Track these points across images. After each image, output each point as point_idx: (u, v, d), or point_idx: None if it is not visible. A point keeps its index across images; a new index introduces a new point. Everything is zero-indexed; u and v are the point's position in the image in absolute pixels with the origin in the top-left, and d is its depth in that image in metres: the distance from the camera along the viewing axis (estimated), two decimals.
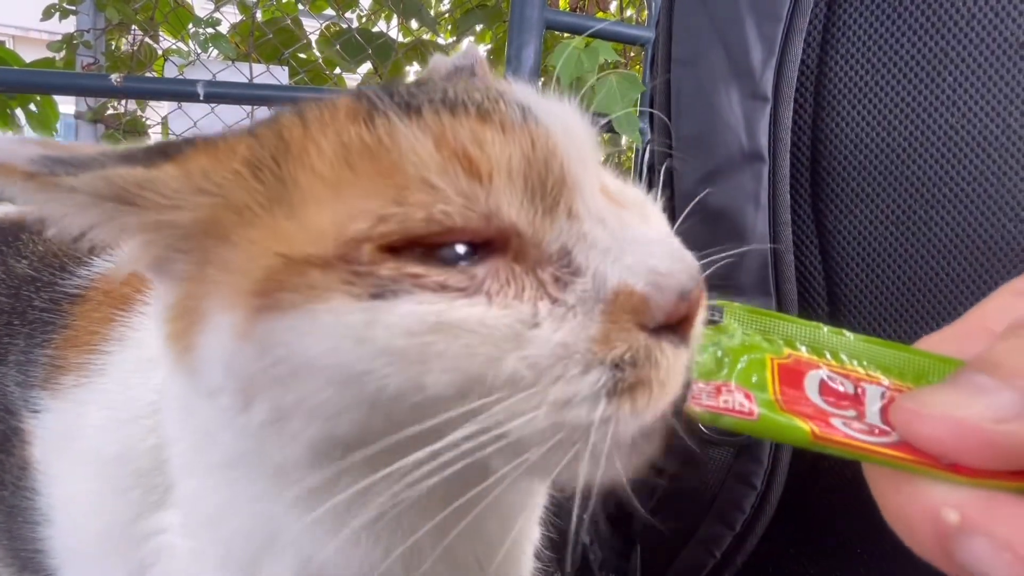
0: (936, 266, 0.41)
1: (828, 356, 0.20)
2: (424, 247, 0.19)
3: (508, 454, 0.19)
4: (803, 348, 0.21)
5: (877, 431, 0.17)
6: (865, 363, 0.20)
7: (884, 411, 0.18)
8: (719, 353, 0.21)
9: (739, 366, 0.20)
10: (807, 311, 0.46)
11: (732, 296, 0.46)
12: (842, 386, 0.19)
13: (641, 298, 0.19)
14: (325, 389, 0.19)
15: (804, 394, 0.19)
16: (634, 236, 0.20)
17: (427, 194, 0.19)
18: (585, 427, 0.19)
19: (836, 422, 0.18)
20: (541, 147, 0.20)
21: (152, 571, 0.29)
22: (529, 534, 0.33)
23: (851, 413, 0.18)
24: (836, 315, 0.45)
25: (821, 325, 0.21)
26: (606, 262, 0.20)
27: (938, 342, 0.20)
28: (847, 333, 0.21)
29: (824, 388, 0.19)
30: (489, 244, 0.20)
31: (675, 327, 0.20)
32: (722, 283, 0.45)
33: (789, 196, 0.45)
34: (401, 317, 0.18)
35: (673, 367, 0.20)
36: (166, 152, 0.22)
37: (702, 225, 0.46)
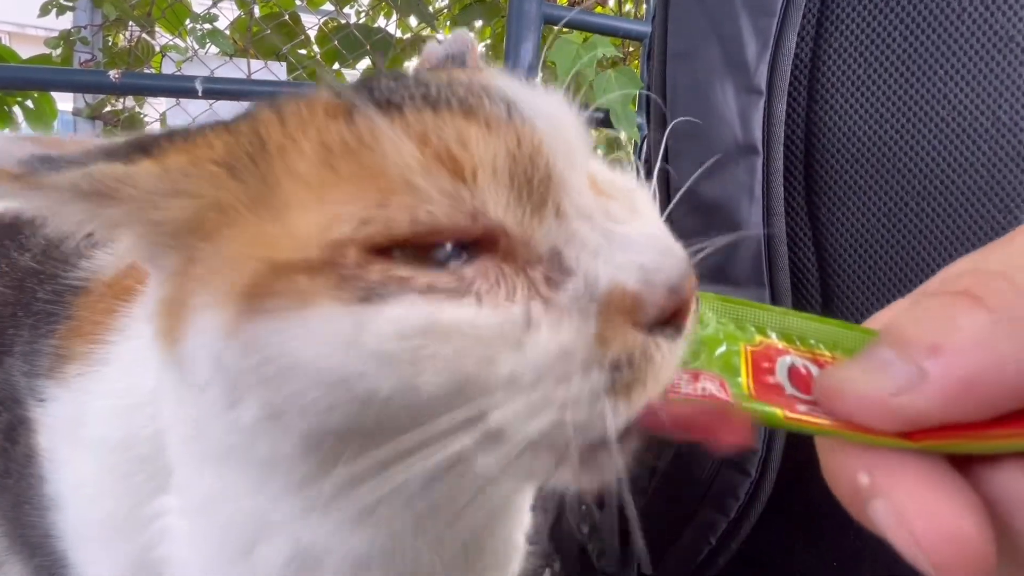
0: (927, 256, 0.42)
1: (797, 342, 0.21)
2: (411, 247, 0.19)
3: (499, 455, 0.20)
4: (773, 335, 0.22)
5: None
6: (831, 346, 0.21)
7: None
8: (694, 341, 0.21)
9: (714, 354, 0.21)
10: (801, 301, 0.46)
11: (727, 287, 0.46)
12: (808, 370, 0.20)
13: (633, 296, 0.19)
14: (316, 388, 0.19)
15: (775, 380, 0.20)
16: (622, 233, 0.20)
17: (411, 196, 0.19)
18: (584, 425, 0.19)
19: (802, 408, 0.18)
20: (527, 144, 0.20)
21: (157, 551, 0.30)
22: (518, 519, 0.33)
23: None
24: (829, 305, 0.46)
25: (789, 311, 0.22)
26: (596, 262, 0.20)
27: (879, 322, 0.21)
28: (814, 318, 0.22)
29: (793, 373, 0.20)
30: (477, 243, 0.20)
31: (669, 320, 0.20)
32: (717, 275, 0.46)
33: (783, 188, 0.45)
34: (389, 321, 0.18)
35: (667, 361, 0.20)
36: (145, 147, 0.22)
37: (696, 217, 0.46)
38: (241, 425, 0.22)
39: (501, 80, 0.22)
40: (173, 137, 0.22)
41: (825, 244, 0.46)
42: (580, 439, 0.19)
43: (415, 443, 0.19)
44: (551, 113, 0.21)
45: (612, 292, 0.19)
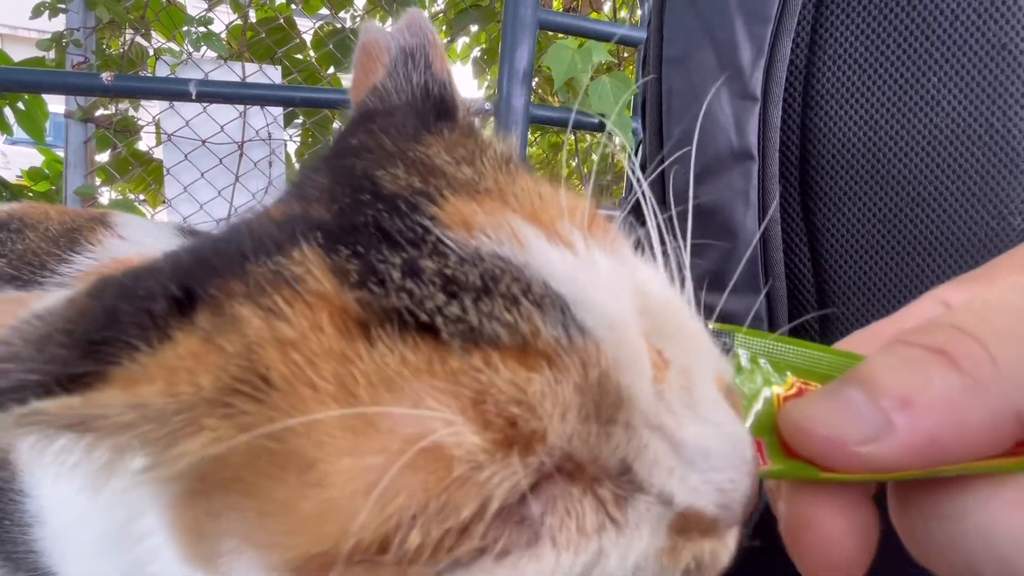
0: (922, 263, 0.42)
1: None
2: None
3: None
4: (808, 377, 0.21)
5: None
6: None
7: None
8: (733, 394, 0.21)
9: (751, 412, 0.21)
10: (796, 308, 0.46)
11: (722, 294, 0.46)
12: None
13: (711, 520, 0.19)
14: None
15: None
16: (693, 445, 0.19)
17: (477, 489, 0.16)
18: None
19: None
20: (593, 369, 0.17)
21: (149, 568, 0.29)
22: None
23: None
24: (824, 310, 0.46)
25: (825, 349, 0.22)
26: (671, 482, 0.19)
27: (861, 341, 0.21)
28: (850, 355, 0.21)
29: None
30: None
31: None
32: (713, 281, 0.46)
33: (778, 194, 0.45)
34: None
35: (729, 548, 0.20)
36: (96, 355, 0.17)
37: (693, 222, 0.46)
38: None
39: (539, 257, 0.18)
40: (132, 352, 0.17)
41: (821, 250, 0.46)
42: None
43: None
44: (611, 311, 0.18)
45: (688, 514, 0.19)
